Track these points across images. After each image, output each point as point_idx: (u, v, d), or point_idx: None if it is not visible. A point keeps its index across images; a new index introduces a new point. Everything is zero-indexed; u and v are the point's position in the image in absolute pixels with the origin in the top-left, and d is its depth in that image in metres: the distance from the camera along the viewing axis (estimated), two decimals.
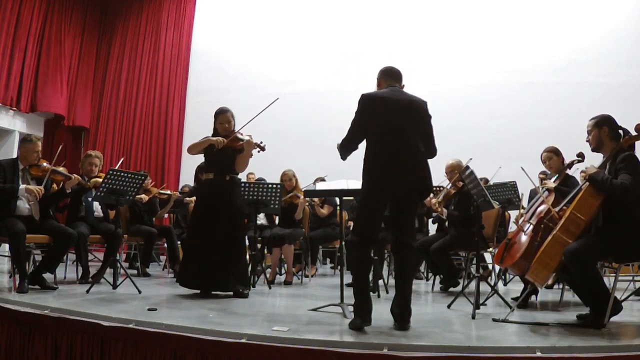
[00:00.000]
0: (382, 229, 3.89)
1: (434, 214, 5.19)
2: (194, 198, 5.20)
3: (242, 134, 4.07)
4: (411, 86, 3.09)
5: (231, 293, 3.91)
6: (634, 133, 2.94)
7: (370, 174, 2.81)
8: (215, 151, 3.97)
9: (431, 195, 4.35)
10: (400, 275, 2.85)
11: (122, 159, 5.74)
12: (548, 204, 3.27)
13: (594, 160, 3.10)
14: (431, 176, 2.90)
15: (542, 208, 3.38)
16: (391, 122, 2.83)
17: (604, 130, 2.97)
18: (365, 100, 2.89)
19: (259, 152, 4.03)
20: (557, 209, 3.17)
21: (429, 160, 2.93)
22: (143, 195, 5.46)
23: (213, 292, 3.93)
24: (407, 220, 2.90)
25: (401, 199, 2.85)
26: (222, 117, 4.06)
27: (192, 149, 4.03)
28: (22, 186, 3.95)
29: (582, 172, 3.04)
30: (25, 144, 4.16)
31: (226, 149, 3.99)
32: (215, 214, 3.91)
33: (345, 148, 2.97)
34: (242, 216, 4.22)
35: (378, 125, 2.84)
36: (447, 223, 4.74)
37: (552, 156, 3.96)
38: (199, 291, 3.92)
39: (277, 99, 3.94)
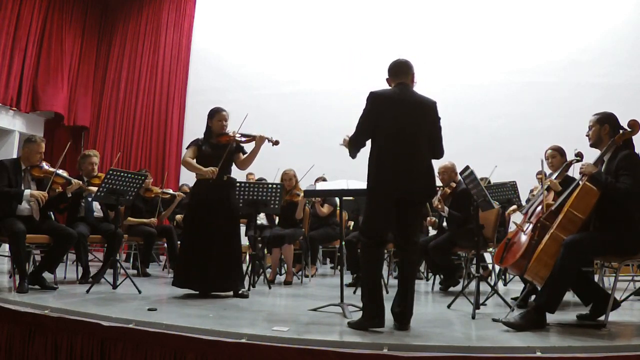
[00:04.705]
0: None
1: (433, 214, 5.19)
2: None
3: (242, 134, 4.05)
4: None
5: (231, 293, 3.92)
6: (627, 129, 2.96)
7: (380, 176, 2.76)
8: (212, 152, 3.97)
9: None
10: (405, 273, 2.83)
11: (119, 154, 5.72)
12: (545, 202, 3.28)
13: (592, 157, 3.10)
14: (435, 178, 2.91)
15: (540, 207, 3.39)
16: (399, 124, 2.78)
17: (605, 128, 3.00)
18: (373, 100, 2.83)
19: (272, 146, 4.00)
20: (553, 207, 3.17)
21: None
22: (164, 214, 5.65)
23: (212, 293, 3.93)
24: (413, 219, 2.91)
25: (409, 200, 2.83)
26: (220, 115, 4.07)
27: (186, 166, 4.04)
28: (27, 191, 3.96)
29: (580, 168, 3.05)
30: (29, 144, 4.12)
31: (220, 149, 3.98)
32: (214, 215, 3.91)
33: (354, 147, 2.92)
34: (238, 216, 4.27)
35: (385, 126, 2.79)
36: (444, 222, 4.75)
37: (556, 155, 3.96)
38: (197, 292, 3.92)
39: (247, 114, 3.97)
